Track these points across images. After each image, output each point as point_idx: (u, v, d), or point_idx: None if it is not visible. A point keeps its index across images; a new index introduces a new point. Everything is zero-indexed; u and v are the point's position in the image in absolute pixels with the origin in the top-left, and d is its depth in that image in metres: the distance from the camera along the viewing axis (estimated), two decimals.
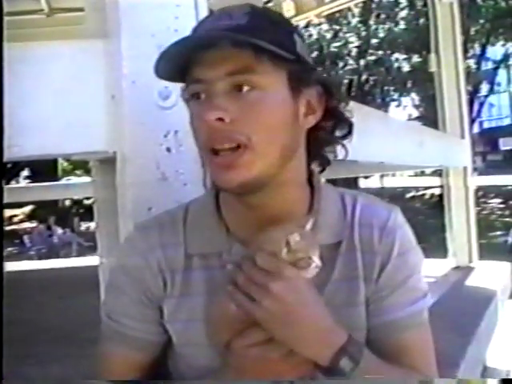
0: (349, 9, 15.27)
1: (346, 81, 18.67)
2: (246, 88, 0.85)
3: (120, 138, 1.25)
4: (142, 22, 1.26)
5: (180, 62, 0.87)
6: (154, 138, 1.22)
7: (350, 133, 0.97)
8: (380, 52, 18.51)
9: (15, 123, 1.18)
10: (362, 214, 0.96)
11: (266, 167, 0.86)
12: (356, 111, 0.99)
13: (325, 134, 0.94)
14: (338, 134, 0.96)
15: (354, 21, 18.02)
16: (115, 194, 1.31)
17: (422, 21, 15.51)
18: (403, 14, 17.82)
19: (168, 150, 1.22)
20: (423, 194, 19.28)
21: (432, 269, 3.96)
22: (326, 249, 0.92)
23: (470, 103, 15.13)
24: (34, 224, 16.14)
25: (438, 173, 10.64)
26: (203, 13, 1.28)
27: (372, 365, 0.87)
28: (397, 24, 17.88)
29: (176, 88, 1.08)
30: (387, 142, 2.51)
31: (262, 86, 0.86)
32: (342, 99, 0.95)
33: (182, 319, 0.95)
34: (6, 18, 1.20)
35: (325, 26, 17.22)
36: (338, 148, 0.98)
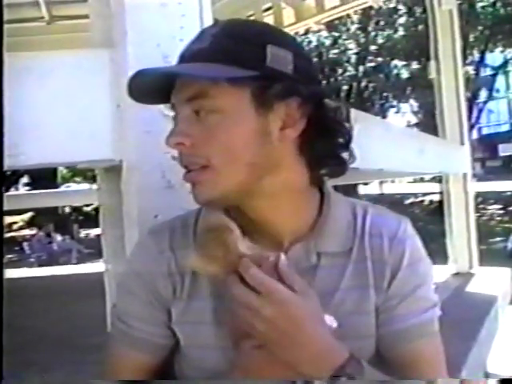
0: (348, 16, 15.32)
1: (345, 87, 18.75)
2: (202, 112, 0.87)
3: (126, 146, 1.27)
4: (148, 31, 1.27)
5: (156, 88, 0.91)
6: (159, 146, 1.23)
7: (349, 139, 0.95)
8: (379, 59, 18.59)
9: (22, 132, 1.19)
10: (373, 223, 0.97)
11: (230, 185, 0.88)
12: (356, 118, 0.98)
13: (316, 143, 0.92)
14: (340, 140, 0.94)
15: (353, 28, 18.10)
16: (120, 201, 1.32)
17: (421, 27, 15.56)
18: (402, 20, 17.89)
19: (173, 158, 1.23)
20: (422, 201, 19.32)
21: None
22: (336, 257, 0.93)
23: (469, 109, 15.16)
24: (33, 231, 16.15)
25: (437, 179, 10.66)
26: (208, 22, 1.29)
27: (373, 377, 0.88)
28: (396, 31, 17.95)
29: None
30: (387, 149, 2.52)
31: (218, 109, 0.86)
32: (330, 107, 0.92)
33: (190, 321, 0.96)
34: (6, 26, 1.21)
35: (324, 33, 17.28)
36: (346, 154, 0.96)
